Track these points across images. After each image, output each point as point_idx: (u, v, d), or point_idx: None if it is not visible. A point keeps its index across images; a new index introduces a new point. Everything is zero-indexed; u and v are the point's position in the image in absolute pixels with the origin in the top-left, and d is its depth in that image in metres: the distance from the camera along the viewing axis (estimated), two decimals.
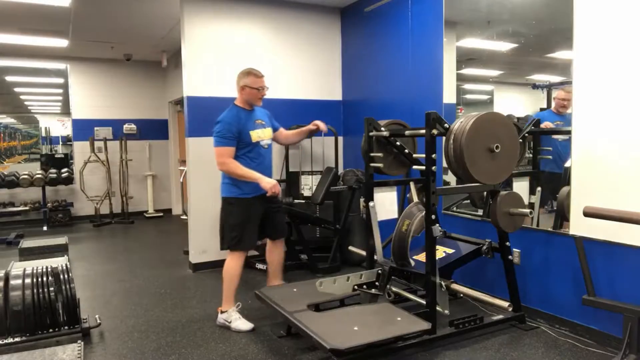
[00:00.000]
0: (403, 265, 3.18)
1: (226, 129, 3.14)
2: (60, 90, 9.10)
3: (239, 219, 3.22)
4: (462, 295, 3.15)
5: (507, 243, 3.13)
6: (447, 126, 2.73)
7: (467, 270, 3.55)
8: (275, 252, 3.51)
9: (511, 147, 2.72)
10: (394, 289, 3.27)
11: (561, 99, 3.37)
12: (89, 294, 4.00)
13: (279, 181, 4.94)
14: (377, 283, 3.21)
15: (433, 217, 2.79)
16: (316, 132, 3.59)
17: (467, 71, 4.00)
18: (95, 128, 7.65)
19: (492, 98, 4.01)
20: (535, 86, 3.61)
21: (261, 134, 3.30)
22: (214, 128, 3.19)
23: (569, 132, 2.98)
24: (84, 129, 7.56)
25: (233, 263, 3.26)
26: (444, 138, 2.73)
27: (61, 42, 6.17)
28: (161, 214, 7.99)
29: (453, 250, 3.34)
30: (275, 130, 3.51)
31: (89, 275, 4.63)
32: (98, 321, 3.17)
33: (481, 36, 3.89)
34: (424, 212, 2.89)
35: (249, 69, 3.31)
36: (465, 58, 3.96)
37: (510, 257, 3.14)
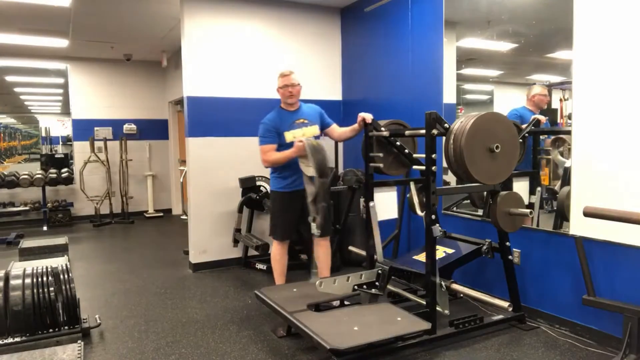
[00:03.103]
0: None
1: (264, 129, 3.39)
2: (60, 90, 9.09)
3: (276, 210, 3.51)
4: (462, 295, 3.15)
5: (507, 243, 3.13)
6: (447, 126, 2.72)
7: (467, 270, 3.55)
8: (319, 249, 3.53)
9: (511, 147, 2.72)
10: (393, 289, 3.27)
11: (544, 95, 3.46)
12: (89, 294, 4.00)
13: None
14: (377, 283, 3.20)
15: (433, 217, 2.79)
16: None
17: (467, 71, 4.00)
18: (95, 128, 7.65)
19: (492, 98, 4.01)
20: None
21: (298, 134, 3.39)
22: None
23: (568, 132, 2.98)
24: (84, 129, 7.56)
25: (273, 250, 3.57)
26: (444, 138, 2.73)
27: (61, 42, 6.17)
28: (161, 214, 7.99)
29: (453, 250, 3.34)
30: (327, 127, 3.59)
31: (89, 275, 4.63)
32: (98, 321, 3.18)
33: (481, 36, 3.89)
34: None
35: (280, 71, 3.51)
36: (465, 58, 3.96)
37: (510, 257, 3.14)
